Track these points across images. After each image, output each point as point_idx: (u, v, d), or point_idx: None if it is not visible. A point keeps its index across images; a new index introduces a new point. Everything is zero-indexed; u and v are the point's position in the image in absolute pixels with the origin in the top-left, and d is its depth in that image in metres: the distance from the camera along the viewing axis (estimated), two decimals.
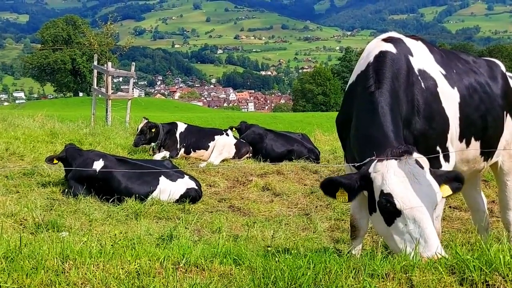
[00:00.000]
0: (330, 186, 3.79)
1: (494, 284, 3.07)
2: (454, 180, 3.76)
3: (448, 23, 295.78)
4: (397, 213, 3.55)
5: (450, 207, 7.69)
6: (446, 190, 3.71)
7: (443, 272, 3.13)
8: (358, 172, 3.79)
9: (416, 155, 3.62)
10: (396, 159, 3.57)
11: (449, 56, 4.80)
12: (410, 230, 3.51)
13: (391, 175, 3.55)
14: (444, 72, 4.48)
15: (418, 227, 3.48)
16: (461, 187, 3.81)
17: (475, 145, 4.72)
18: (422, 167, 3.60)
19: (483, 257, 3.19)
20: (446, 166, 4.28)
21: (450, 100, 4.37)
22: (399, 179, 3.53)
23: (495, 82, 4.98)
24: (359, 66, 4.36)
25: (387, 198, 3.55)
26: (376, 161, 3.66)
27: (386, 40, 4.37)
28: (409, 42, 4.45)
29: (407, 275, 3.15)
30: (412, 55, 4.30)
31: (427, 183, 3.56)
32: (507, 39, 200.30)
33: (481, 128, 4.72)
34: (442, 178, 3.71)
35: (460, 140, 4.52)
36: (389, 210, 3.57)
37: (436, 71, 4.41)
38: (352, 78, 4.42)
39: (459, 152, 4.56)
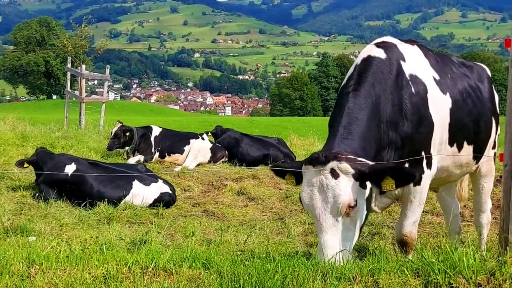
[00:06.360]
0: (280, 171, 4.07)
1: (458, 287, 3.13)
2: (400, 175, 3.74)
3: (423, 30, 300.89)
4: None
5: (422, 211, 7.79)
6: (390, 184, 3.74)
7: (408, 275, 3.19)
8: (300, 163, 3.92)
9: (333, 163, 3.62)
10: (313, 166, 3.69)
11: (445, 61, 4.86)
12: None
13: (305, 184, 3.74)
14: (437, 77, 4.53)
15: (319, 235, 3.69)
16: (407, 183, 3.81)
17: (468, 149, 4.79)
18: (337, 176, 3.61)
19: (448, 260, 3.26)
20: (428, 173, 4.33)
21: (439, 105, 4.41)
22: (308, 188, 3.71)
23: (484, 86, 5.08)
24: (350, 69, 4.45)
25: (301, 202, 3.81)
26: (304, 161, 3.82)
27: (378, 44, 4.45)
28: (403, 47, 4.50)
29: (374, 278, 3.20)
30: (404, 60, 4.35)
31: (334, 194, 3.61)
32: (480, 46, 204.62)
33: (473, 132, 4.79)
34: (384, 173, 3.71)
35: (451, 144, 4.57)
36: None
37: (428, 76, 4.46)
38: (344, 80, 4.49)
39: (451, 156, 4.62)
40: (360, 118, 3.96)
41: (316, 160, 3.67)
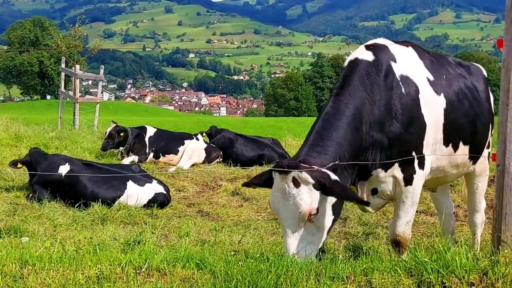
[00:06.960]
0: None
1: (450, 286, 3.15)
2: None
3: (418, 30, 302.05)
4: None
5: (416, 211, 7.81)
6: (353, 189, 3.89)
7: (402, 275, 3.21)
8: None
9: (294, 173, 3.66)
10: (279, 174, 3.75)
11: (441, 61, 4.85)
12: None
13: (273, 188, 3.81)
14: (431, 78, 4.51)
15: (284, 238, 3.77)
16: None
17: (464, 149, 4.79)
18: (298, 185, 3.66)
19: (441, 260, 3.27)
20: (420, 173, 4.33)
21: (432, 106, 4.40)
22: (275, 193, 3.78)
23: (480, 86, 5.09)
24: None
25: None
26: (274, 166, 3.89)
27: (368, 46, 4.44)
28: (395, 48, 4.48)
29: (367, 277, 3.21)
30: (395, 61, 4.34)
31: (294, 202, 3.67)
32: (474, 46, 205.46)
33: (470, 133, 4.79)
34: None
35: (446, 145, 4.57)
36: None
37: (421, 77, 4.45)
38: None
39: (447, 157, 4.63)
40: (336, 123, 3.96)
41: (284, 168, 3.72)
